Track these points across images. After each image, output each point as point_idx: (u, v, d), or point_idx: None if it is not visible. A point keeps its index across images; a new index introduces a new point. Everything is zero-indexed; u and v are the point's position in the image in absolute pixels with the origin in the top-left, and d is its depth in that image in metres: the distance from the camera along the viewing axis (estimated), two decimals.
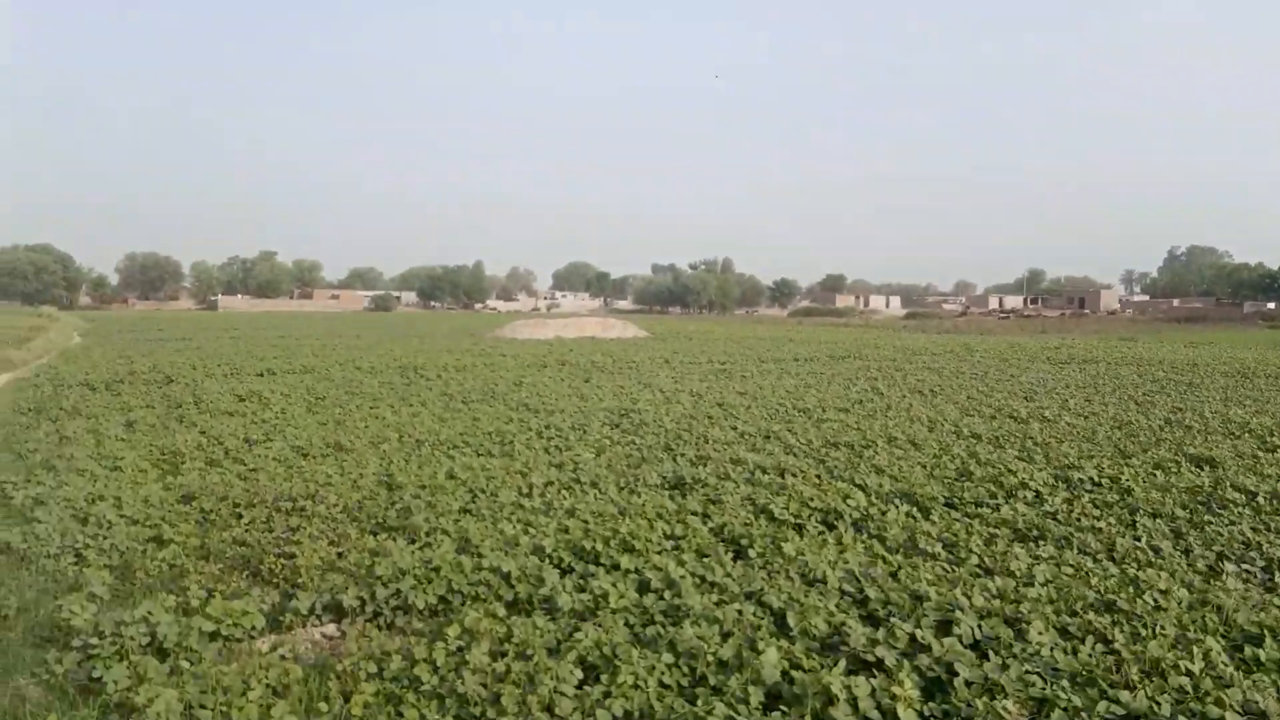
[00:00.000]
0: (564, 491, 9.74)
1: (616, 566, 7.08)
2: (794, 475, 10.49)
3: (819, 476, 10.46)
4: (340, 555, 7.72)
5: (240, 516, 9.03)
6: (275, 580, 7.29)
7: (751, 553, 7.48)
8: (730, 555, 7.53)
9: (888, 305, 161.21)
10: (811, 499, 9.12)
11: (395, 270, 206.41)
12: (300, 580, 7.19)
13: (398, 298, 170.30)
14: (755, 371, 26.78)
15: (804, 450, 12.50)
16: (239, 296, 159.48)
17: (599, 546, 7.36)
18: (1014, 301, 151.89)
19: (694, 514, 8.84)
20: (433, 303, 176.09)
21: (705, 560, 7.21)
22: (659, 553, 7.45)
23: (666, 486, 10.35)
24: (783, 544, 7.57)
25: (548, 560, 7.17)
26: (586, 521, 8.28)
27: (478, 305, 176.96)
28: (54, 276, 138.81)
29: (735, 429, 14.51)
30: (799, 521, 8.55)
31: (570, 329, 52.45)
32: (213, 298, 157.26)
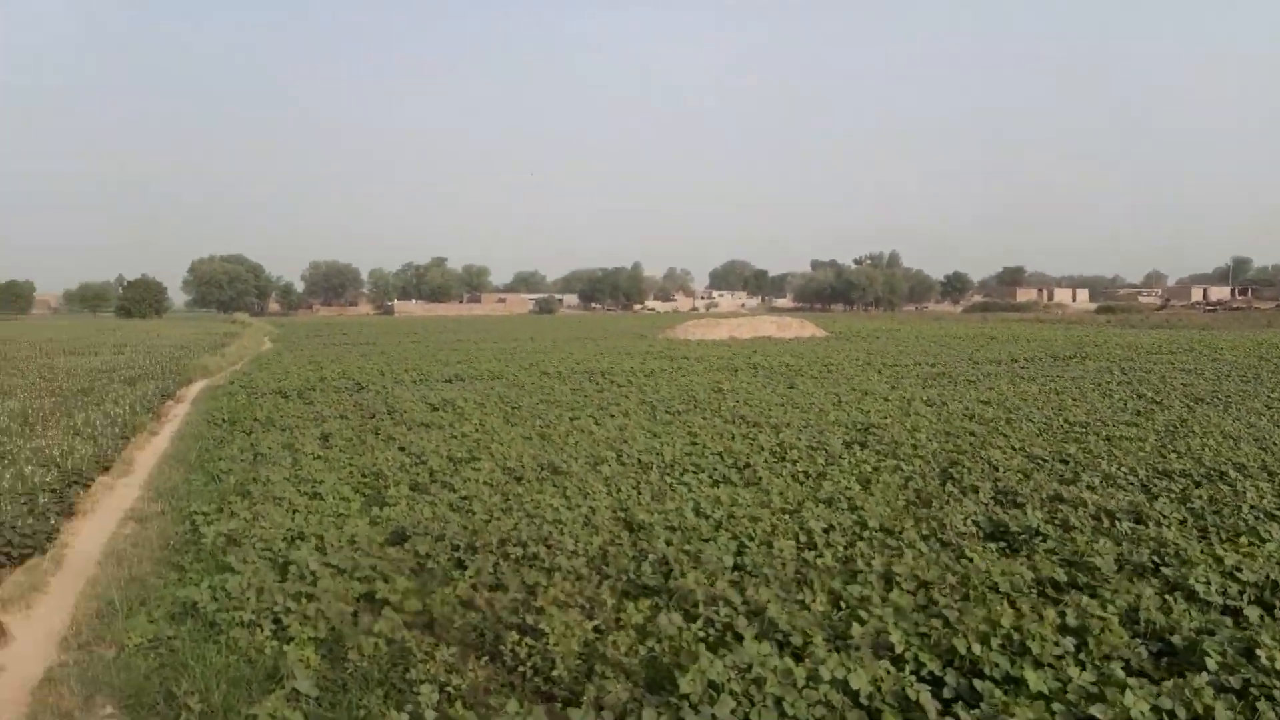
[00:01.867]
0: (860, 544, 7.52)
1: (1012, 681, 4.83)
2: (1159, 523, 7.87)
3: (1212, 530, 7.80)
4: (599, 632, 5.84)
5: (462, 565, 7.36)
6: (522, 669, 5.48)
7: (1210, 662, 5.01)
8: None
9: (1074, 298, 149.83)
10: (1237, 568, 6.49)
11: (557, 274, 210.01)
12: (556, 673, 5.34)
13: (560, 300, 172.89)
14: (979, 375, 23.67)
15: (1142, 485, 9.79)
16: (413, 301, 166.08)
17: (982, 652, 5.09)
18: (1219, 293, 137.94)
19: (1059, 587, 6.45)
20: (593, 304, 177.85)
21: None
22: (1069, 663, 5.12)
23: (981, 535, 7.97)
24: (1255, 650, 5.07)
25: (909, 673, 4.95)
26: (933, 602, 6.03)
27: (636, 306, 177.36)
28: (246, 285, 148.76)
29: (1015, 450, 11.89)
30: (1233, 604, 5.99)
31: (744, 329, 50.20)
32: (389, 303, 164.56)
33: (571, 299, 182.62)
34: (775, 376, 23.71)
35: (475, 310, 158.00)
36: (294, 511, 9.01)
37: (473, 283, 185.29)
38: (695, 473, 10.78)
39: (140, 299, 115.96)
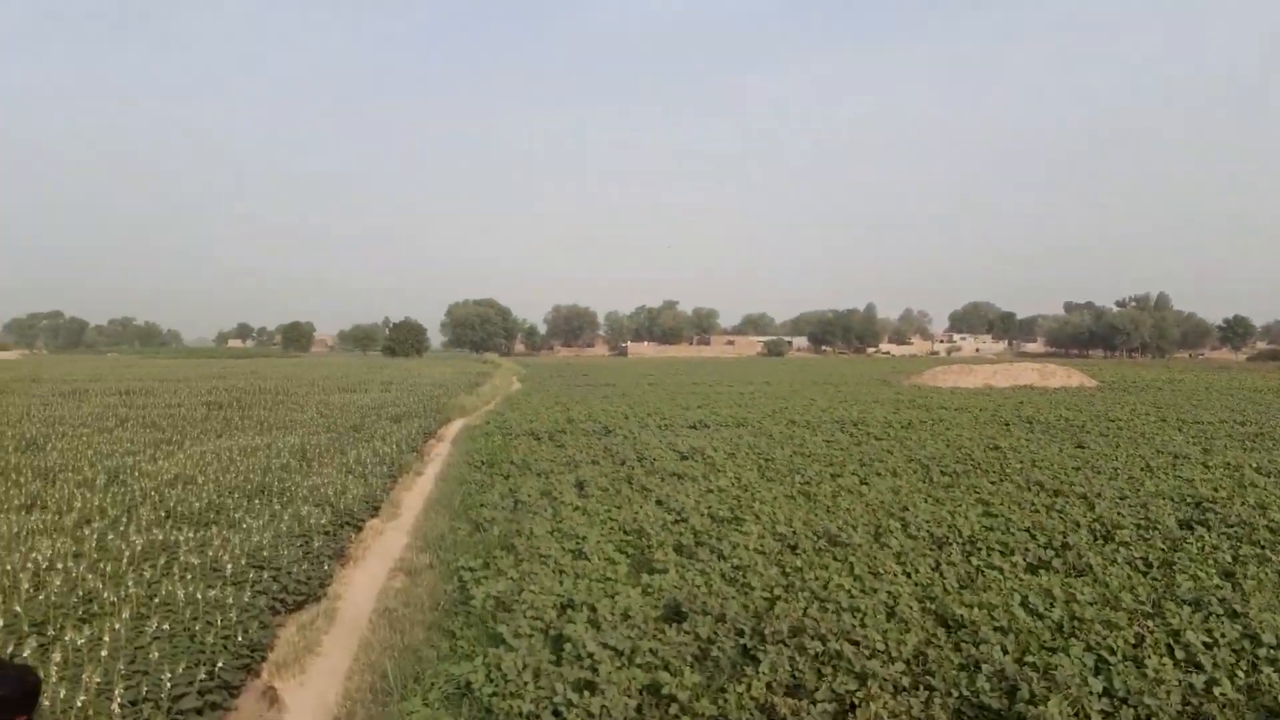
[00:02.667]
0: (1266, 670, 5.77)
1: None
2: None
3: None
4: None
5: (750, 656, 6.35)
6: None
7: None
8: None
9: None
10: None
11: (785, 316, 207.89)
12: None
13: (789, 343, 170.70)
14: None
15: None
16: (645, 343, 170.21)
17: None
18: None
19: None
20: (823, 347, 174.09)
21: None
22: None
23: None
24: None
25: None
26: None
27: (869, 350, 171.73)
28: (495, 327, 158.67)
29: None
30: None
31: (1001, 376, 46.44)
32: (623, 344, 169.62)
33: (800, 341, 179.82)
34: (1055, 432, 21.12)
35: (705, 352, 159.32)
36: (560, 572, 8.41)
37: (702, 325, 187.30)
38: (1004, 553, 9.21)
39: (404, 339, 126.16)
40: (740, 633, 6.84)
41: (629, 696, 5.65)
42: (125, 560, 8.68)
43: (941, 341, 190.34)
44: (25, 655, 5.76)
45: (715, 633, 6.79)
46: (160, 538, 9.72)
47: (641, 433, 20.58)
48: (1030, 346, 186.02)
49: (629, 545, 9.69)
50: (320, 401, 31.47)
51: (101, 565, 8.37)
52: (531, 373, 64.68)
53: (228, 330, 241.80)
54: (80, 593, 7.66)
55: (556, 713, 5.48)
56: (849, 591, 7.67)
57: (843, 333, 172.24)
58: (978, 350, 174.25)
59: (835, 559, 8.96)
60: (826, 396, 33.46)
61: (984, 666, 5.97)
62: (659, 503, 12.02)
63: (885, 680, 5.77)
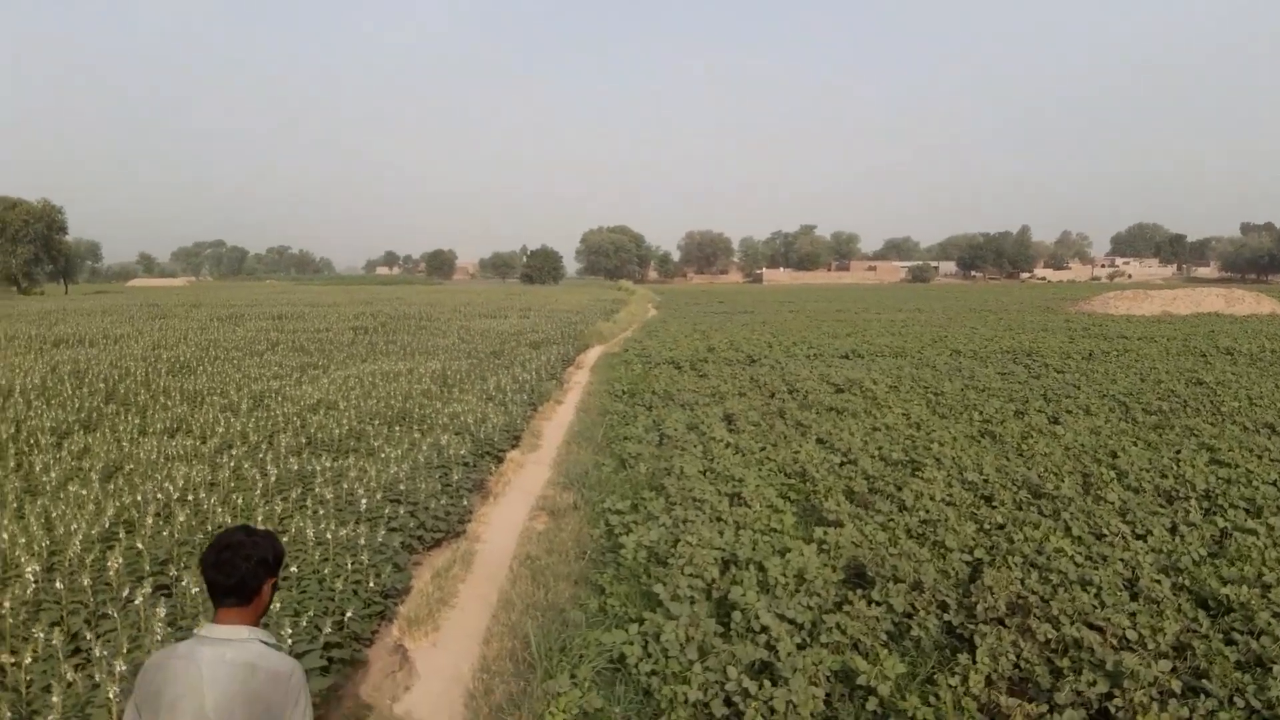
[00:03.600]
0: None
1: None
2: None
3: None
4: None
5: (958, 637, 5.21)
6: None
7: None
8: None
9: None
10: None
11: (931, 240, 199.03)
12: None
13: (935, 268, 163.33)
14: None
15: None
16: (781, 270, 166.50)
17: None
18: None
19: None
20: (972, 273, 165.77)
21: None
22: None
23: None
24: None
25: None
26: None
27: (1023, 275, 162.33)
28: (629, 254, 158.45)
29: None
30: None
31: (1180, 302, 42.32)
32: (758, 271, 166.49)
33: (948, 266, 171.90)
34: (1264, 365, 18.53)
35: (844, 279, 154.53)
36: (718, 519, 7.42)
37: (841, 250, 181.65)
38: (1251, 512, 7.61)
39: (541, 267, 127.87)
40: (943, 606, 5.67)
41: (815, 684, 4.61)
42: (259, 492, 8.25)
43: (1103, 266, 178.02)
44: (138, 600, 5.24)
45: (913, 605, 5.65)
46: (296, 467, 9.30)
47: (789, 362, 19.31)
48: (1202, 271, 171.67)
49: (792, 490, 8.60)
50: (461, 327, 31.56)
51: (234, 497, 7.95)
52: (666, 300, 63.84)
53: (375, 258, 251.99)
54: (210, 527, 7.21)
55: (729, 702, 4.51)
56: (1071, 558, 6.35)
57: (994, 257, 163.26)
58: (1135, 275, 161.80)
59: (1042, 514, 7.60)
60: (988, 324, 31.07)
61: (1275, 668, 4.62)
62: (820, 441, 10.84)
63: (1146, 682, 4.50)
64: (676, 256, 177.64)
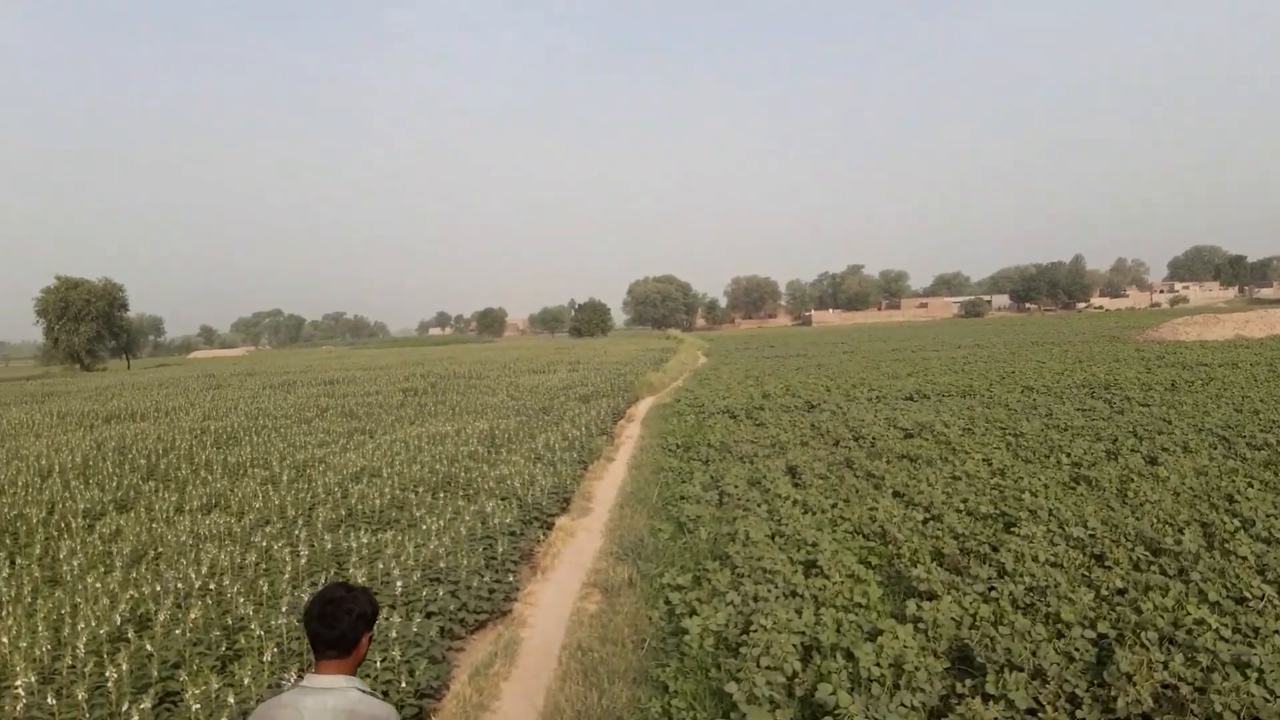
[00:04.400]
0: None
1: None
2: None
3: None
4: None
5: None
6: None
7: None
8: None
9: None
10: None
11: (982, 274, 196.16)
12: None
13: (988, 301, 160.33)
14: None
15: None
16: (830, 311, 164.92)
17: None
18: None
19: None
20: (1026, 305, 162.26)
21: None
22: None
23: None
24: None
25: None
26: None
27: (1079, 305, 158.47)
28: (676, 303, 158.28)
29: None
30: None
31: (1254, 325, 40.41)
32: (806, 313, 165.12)
33: (1000, 300, 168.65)
34: None
35: (895, 317, 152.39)
36: (794, 594, 6.55)
37: (890, 289, 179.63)
38: None
39: (589, 319, 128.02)
40: (1073, 700, 4.73)
41: None
42: (287, 578, 7.58)
43: (1161, 291, 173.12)
44: (135, 718, 4.55)
45: (1037, 700, 4.72)
46: (330, 546, 8.65)
47: (851, 407, 18.34)
48: (1265, 292, 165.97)
49: (872, 554, 7.68)
50: (510, 384, 31.11)
51: (261, 583, 7.30)
52: (716, 346, 63.02)
53: (428, 319, 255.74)
54: (229, 621, 6.55)
55: None
56: (1216, 631, 5.36)
57: (1048, 288, 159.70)
58: (1195, 300, 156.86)
59: (1166, 575, 6.60)
60: (1054, 357, 29.69)
61: None
62: (896, 495, 9.91)
63: None
64: (723, 302, 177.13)
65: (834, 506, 9.44)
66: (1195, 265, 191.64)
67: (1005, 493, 9.45)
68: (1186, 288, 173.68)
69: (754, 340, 73.34)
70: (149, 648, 5.90)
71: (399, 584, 7.25)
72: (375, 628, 3.72)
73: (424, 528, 9.61)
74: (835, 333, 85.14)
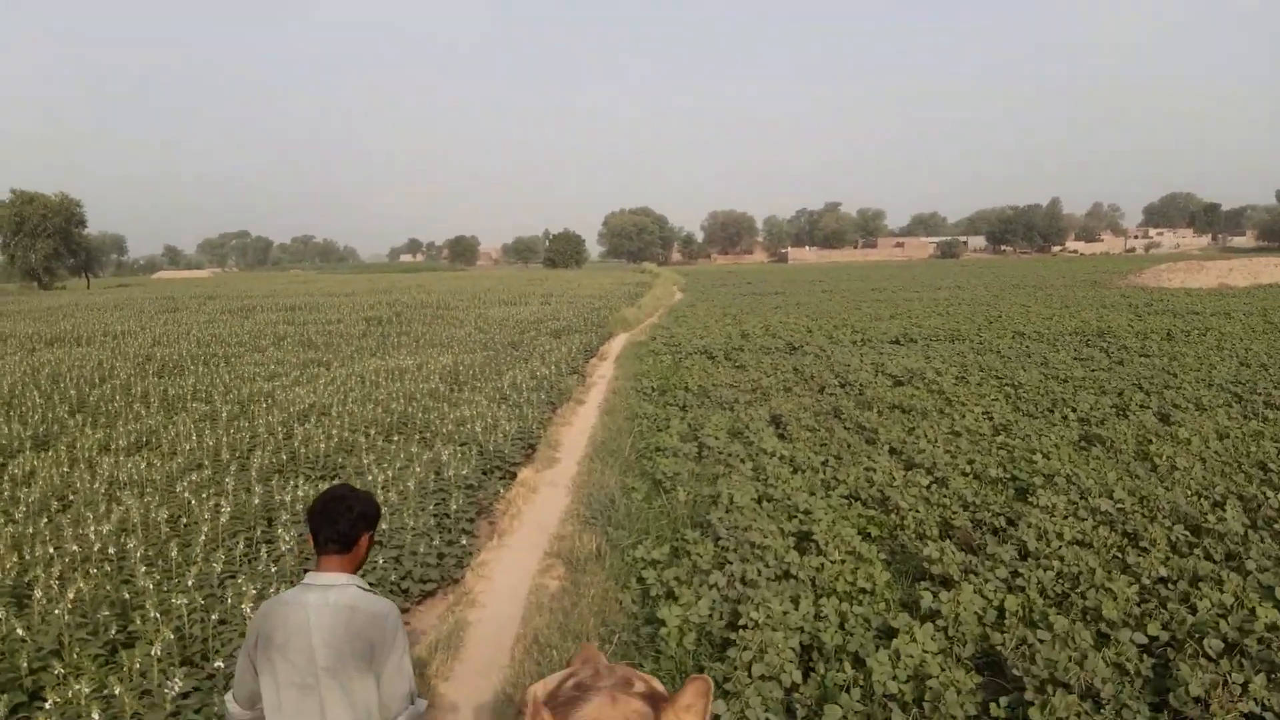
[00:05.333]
0: None
1: None
2: None
3: None
4: None
5: None
6: None
7: None
8: None
9: None
10: None
11: (959, 215, 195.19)
12: None
13: (964, 243, 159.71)
14: None
15: None
16: (806, 248, 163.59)
17: None
18: None
19: None
20: (1002, 247, 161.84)
21: None
22: None
23: None
24: None
25: None
26: None
27: (1054, 248, 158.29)
28: (652, 236, 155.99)
29: None
30: None
31: (1236, 274, 39.88)
32: (783, 250, 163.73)
33: (977, 241, 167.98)
34: None
35: (871, 256, 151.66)
36: (787, 576, 5.66)
37: (867, 227, 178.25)
38: None
39: (563, 250, 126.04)
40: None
41: None
42: (202, 540, 6.57)
43: (1136, 237, 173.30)
44: None
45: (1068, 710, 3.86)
46: (259, 500, 7.62)
47: (835, 350, 17.44)
48: (1238, 240, 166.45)
49: (873, 524, 6.80)
50: (479, 316, 29.94)
51: (170, 548, 6.27)
52: (692, 282, 61.83)
53: (399, 246, 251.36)
54: (127, 595, 5.55)
55: None
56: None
57: (1024, 231, 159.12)
58: (1178, 246, 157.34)
59: (1211, 559, 5.77)
60: (1038, 302, 28.94)
61: None
62: (893, 451, 9.04)
63: None
64: (700, 237, 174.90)
65: (825, 465, 8.55)
66: (1170, 212, 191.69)
67: (1014, 453, 8.60)
68: (1160, 234, 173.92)
69: (731, 276, 72.22)
70: (22, 632, 4.90)
71: None
72: (377, 530, 3.54)
73: (370, 478, 8.62)
74: (813, 271, 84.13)
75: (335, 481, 9.05)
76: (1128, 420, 10.08)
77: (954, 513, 6.85)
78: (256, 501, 7.54)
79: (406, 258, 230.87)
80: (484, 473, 9.56)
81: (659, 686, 1.44)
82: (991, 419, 10.37)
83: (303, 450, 9.99)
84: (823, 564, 5.73)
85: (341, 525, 2.72)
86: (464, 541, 7.27)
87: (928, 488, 7.46)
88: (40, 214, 73.31)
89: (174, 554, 6.18)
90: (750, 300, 36.29)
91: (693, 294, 45.26)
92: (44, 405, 12.85)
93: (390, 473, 8.72)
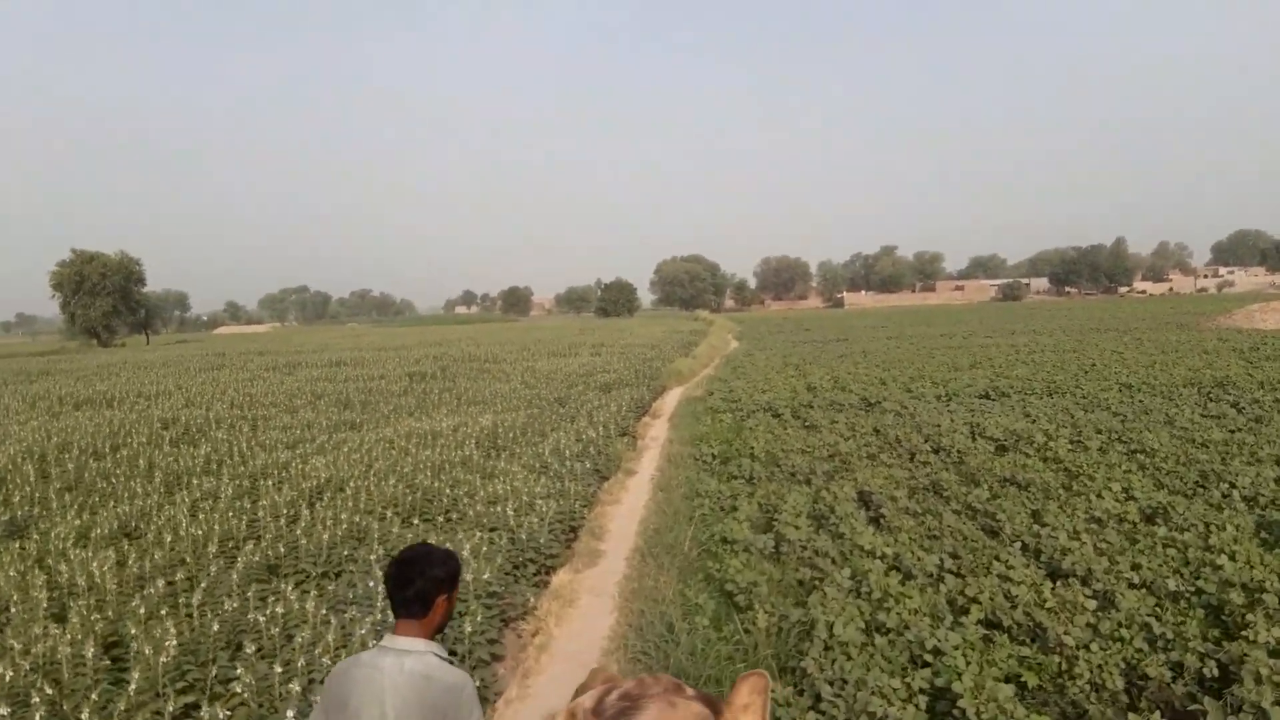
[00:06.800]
0: None
1: None
2: None
3: None
4: None
5: None
6: None
7: None
8: None
9: None
10: None
11: (1019, 256, 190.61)
12: None
13: (1026, 285, 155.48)
14: None
15: None
16: (862, 293, 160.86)
17: None
18: None
19: None
20: (1066, 289, 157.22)
21: None
22: None
23: None
24: None
25: None
26: None
27: (1121, 289, 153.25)
28: (704, 283, 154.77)
29: None
30: None
31: None
32: (838, 295, 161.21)
33: (1040, 283, 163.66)
34: None
35: (930, 300, 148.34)
36: None
37: (925, 270, 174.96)
38: None
39: (615, 299, 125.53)
40: None
41: None
42: (132, 693, 4.98)
43: (1205, 276, 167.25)
44: None
45: None
46: (218, 626, 6.02)
47: (917, 406, 15.52)
48: None
49: (1029, 669, 4.94)
50: (526, 369, 28.56)
51: (85, 706, 4.70)
52: (747, 329, 60.00)
53: (454, 298, 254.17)
54: None
55: None
56: None
57: (1089, 272, 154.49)
58: (1240, 285, 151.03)
59: None
60: (1127, 347, 26.58)
61: None
62: (1025, 549, 7.14)
63: None
64: (753, 283, 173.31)
65: (942, 570, 6.71)
66: (1239, 249, 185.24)
67: (1186, 553, 6.65)
68: (1231, 272, 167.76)
69: (786, 322, 70.23)
70: None
71: (289, 713, 4.62)
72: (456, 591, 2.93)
73: (371, 583, 7.01)
74: (871, 315, 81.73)
75: (335, 583, 7.56)
76: None
77: (1138, 651, 4.98)
78: (214, 629, 5.94)
79: (461, 309, 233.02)
80: (514, 568, 7.91)
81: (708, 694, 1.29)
82: (1135, 500, 8.39)
83: (304, 542, 8.44)
84: None
85: (416, 588, 2.63)
86: (477, 682, 5.58)
87: (1097, 614, 5.56)
88: (100, 272, 74.62)
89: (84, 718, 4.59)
90: (811, 349, 34.38)
91: (749, 342, 43.46)
92: (36, 482, 11.58)
93: None
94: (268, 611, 6.31)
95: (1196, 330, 35.71)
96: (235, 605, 6.60)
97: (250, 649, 5.67)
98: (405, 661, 2.55)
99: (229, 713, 4.81)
